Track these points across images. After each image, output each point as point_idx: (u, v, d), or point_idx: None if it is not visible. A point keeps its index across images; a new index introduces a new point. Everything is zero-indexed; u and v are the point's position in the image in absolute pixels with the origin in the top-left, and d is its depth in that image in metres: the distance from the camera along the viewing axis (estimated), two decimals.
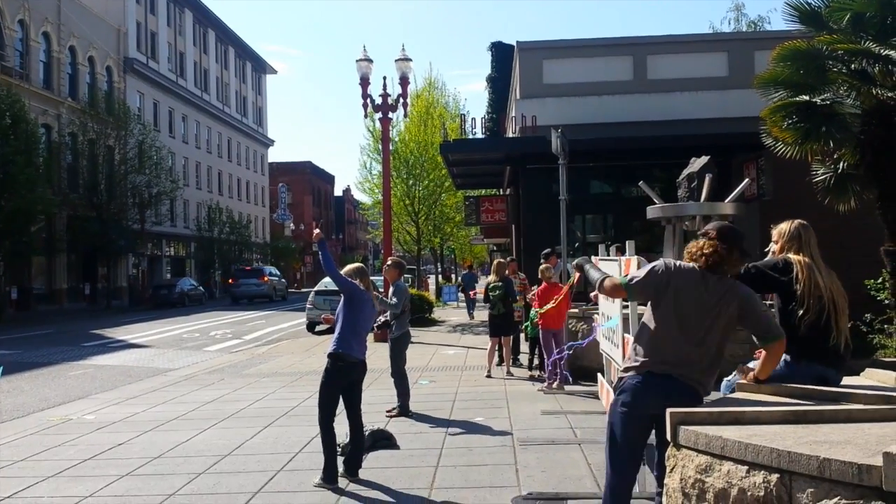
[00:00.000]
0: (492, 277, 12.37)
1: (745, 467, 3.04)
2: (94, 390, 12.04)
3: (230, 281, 45.80)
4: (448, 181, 29.13)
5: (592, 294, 7.46)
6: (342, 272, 6.48)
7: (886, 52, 8.79)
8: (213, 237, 54.19)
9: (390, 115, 19.60)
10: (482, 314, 22.15)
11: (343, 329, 6.26)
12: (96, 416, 9.53)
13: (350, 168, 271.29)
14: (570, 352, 9.49)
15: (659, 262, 4.09)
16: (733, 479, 3.09)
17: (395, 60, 19.21)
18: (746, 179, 12.93)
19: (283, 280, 50.29)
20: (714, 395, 4.27)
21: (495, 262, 13.28)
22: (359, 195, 45.97)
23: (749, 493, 3.00)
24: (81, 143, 38.76)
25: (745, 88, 13.52)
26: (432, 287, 39.11)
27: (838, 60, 9.50)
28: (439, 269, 45.16)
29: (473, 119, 25.74)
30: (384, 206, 20.66)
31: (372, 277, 7.26)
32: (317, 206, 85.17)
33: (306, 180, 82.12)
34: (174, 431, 8.34)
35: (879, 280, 10.45)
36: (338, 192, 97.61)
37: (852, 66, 9.43)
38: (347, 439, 6.33)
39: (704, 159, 11.19)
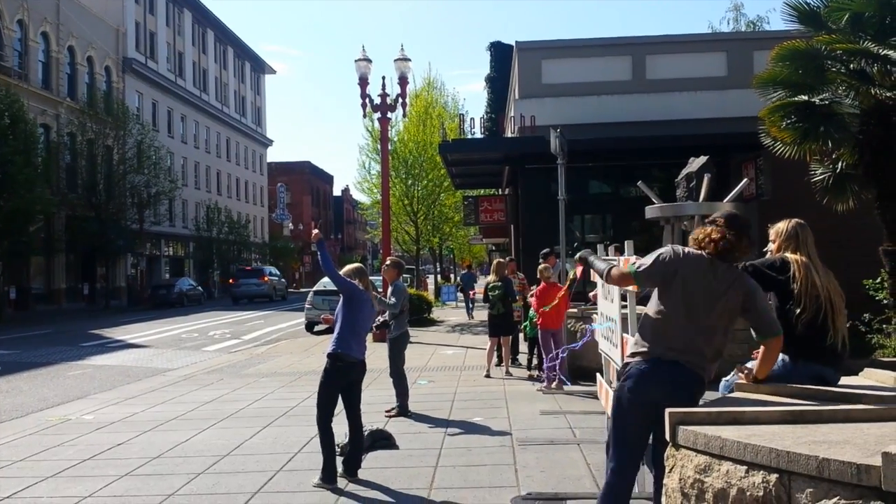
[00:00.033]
0: (491, 277, 12.37)
1: (744, 467, 3.04)
2: (92, 390, 12.03)
3: (231, 281, 46.15)
4: (447, 181, 29.12)
5: (591, 294, 7.47)
6: (341, 272, 6.48)
7: (885, 51, 8.79)
8: (212, 237, 54.20)
9: (389, 115, 19.60)
10: (481, 314, 22.16)
11: (342, 329, 6.26)
12: (95, 416, 9.52)
13: (349, 168, 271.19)
14: (565, 354, 9.51)
15: (666, 249, 4.08)
16: (732, 479, 3.09)
17: (394, 60, 19.21)
18: (745, 179, 12.92)
19: (283, 280, 50.57)
20: (713, 395, 4.28)
21: (495, 261, 13.29)
22: (357, 195, 45.96)
23: (748, 493, 3.00)
24: (80, 143, 38.75)
25: (744, 88, 13.54)
26: (431, 287, 39.11)
27: (837, 60, 9.51)
28: (438, 269, 45.15)
29: (472, 119, 25.79)
30: (383, 205, 20.65)
31: (371, 277, 7.26)
32: (315, 205, 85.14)
33: (305, 180, 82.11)
34: (173, 431, 8.34)
35: (878, 280, 10.45)
36: (336, 191, 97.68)
37: (851, 65, 9.43)
38: (346, 439, 6.33)
39: (703, 159, 11.20)
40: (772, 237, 4.45)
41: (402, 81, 19.30)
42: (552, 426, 7.90)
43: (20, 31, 36.15)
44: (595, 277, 6.72)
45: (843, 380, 4.37)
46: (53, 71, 38.60)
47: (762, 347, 4.06)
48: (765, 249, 4.54)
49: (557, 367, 10.00)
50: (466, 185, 28.66)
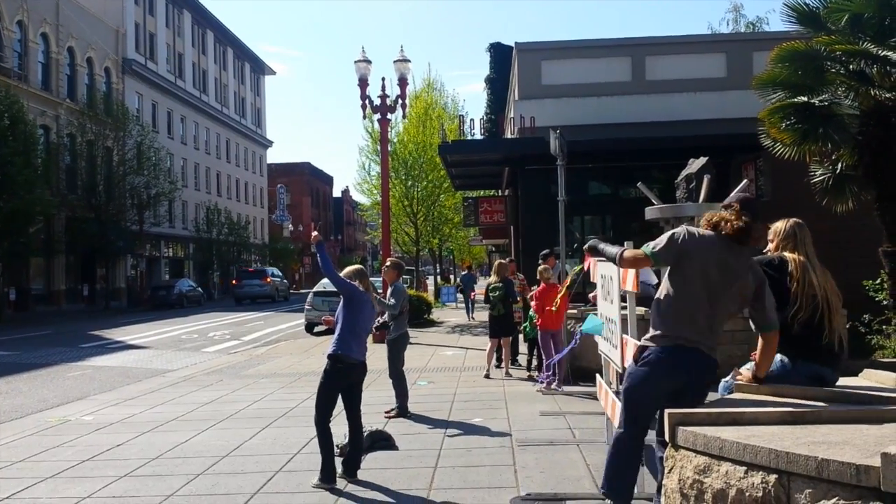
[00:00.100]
0: (493, 278, 12.37)
1: (744, 468, 3.04)
2: (92, 391, 12.03)
3: (233, 282, 46.71)
4: (447, 182, 29.13)
5: (591, 295, 7.48)
6: (341, 274, 6.48)
7: (884, 52, 8.80)
8: (212, 238, 54.24)
9: (389, 116, 19.61)
10: (481, 315, 22.17)
11: (343, 330, 6.25)
12: (95, 417, 9.52)
13: (349, 169, 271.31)
14: (563, 356, 9.51)
15: (680, 229, 4.11)
16: (731, 479, 3.09)
17: (394, 61, 19.21)
18: (745, 180, 12.92)
19: (285, 281, 51.05)
20: (712, 396, 4.28)
21: (496, 262, 13.29)
22: (357, 196, 46.06)
23: (747, 494, 3.00)
24: (80, 144, 38.76)
25: (744, 89, 13.53)
26: (431, 288, 39.11)
27: (836, 61, 9.51)
28: (438, 270, 45.15)
29: (472, 120, 25.82)
30: (383, 206, 20.66)
31: (371, 279, 7.26)
32: (315, 207, 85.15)
33: (305, 181, 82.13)
34: (172, 432, 8.33)
35: (878, 281, 10.46)
36: (336, 193, 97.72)
37: (850, 66, 9.44)
38: (346, 440, 6.33)
39: (703, 160, 11.20)
40: (770, 237, 4.46)
41: (402, 82, 19.31)
42: (552, 427, 7.90)
43: (20, 32, 36.17)
44: (595, 278, 6.74)
45: (843, 380, 4.37)
46: (53, 72, 38.61)
47: (760, 344, 4.08)
48: (765, 250, 4.55)
49: (556, 369, 10.01)
50: (466, 186, 28.66)
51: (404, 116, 23.45)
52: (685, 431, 3.38)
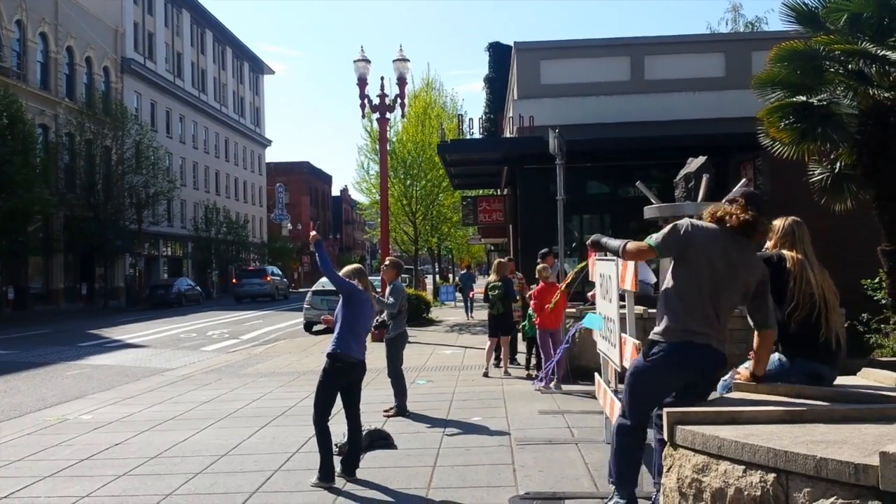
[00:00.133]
0: (492, 277, 12.37)
1: (742, 467, 3.04)
2: (90, 390, 12.02)
3: (234, 281, 47.24)
4: (445, 181, 29.12)
5: (590, 294, 7.47)
6: (340, 273, 6.47)
7: (883, 52, 8.80)
8: (211, 237, 54.22)
9: (388, 115, 19.60)
10: (480, 314, 22.17)
11: (342, 329, 6.25)
12: (93, 415, 9.51)
13: (348, 168, 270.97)
14: (561, 355, 9.52)
15: (684, 221, 4.11)
16: (730, 478, 3.09)
17: (393, 61, 19.21)
18: (744, 179, 12.88)
19: (285, 280, 51.31)
20: (711, 395, 4.28)
21: (496, 261, 13.29)
22: (356, 195, 46.01)
23: (746, 493, 3.01)
24: (79, 144, 38.73)
25: (743, 89, 13.54)
26: (430, 287, 39.11)
27: (835, 61, 9.51)
28: (437, 269, 45.16)
29: (471, 119, 25.80)
30: (381, 206, 20.65)
31: (370, 278, 7.26)
32: (314, 206, 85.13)
33: (304, 180, 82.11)
34: (171, 431, 8.33)
35: (876, 280, 10.47)
36: (335, 192, 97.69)
37: (849, 66, 9.44)
38: (345, 439, 6.33)
39: (701, 159, 11.19)
40: (768, 234, 4.47)
41: (401, 82, 19.29)
42: (550, 426, 7.90)
43: (18, 31, 36.13)
44: (593, 277, 6.74)
45: (842, 379, 4.38)
46: (52, 71, 38.57)
47: (756, 342, 4.09)
48: (763, 247, 4.56)
49: (555, 368, 10.00)
50: (465, 185, 28.65)
51: (403, 116, 23.46)
52: (684, 430, 3.38)
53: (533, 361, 11.81)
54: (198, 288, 44.45)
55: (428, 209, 31.55)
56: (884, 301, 10.20)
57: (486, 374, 11.67)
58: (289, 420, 8.75)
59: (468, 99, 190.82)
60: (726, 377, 4.59)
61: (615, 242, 4.46)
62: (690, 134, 16.59)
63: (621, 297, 5.58)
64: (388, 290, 9.03)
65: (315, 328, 21.44)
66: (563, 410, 8.65)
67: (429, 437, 7.62)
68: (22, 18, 36.06)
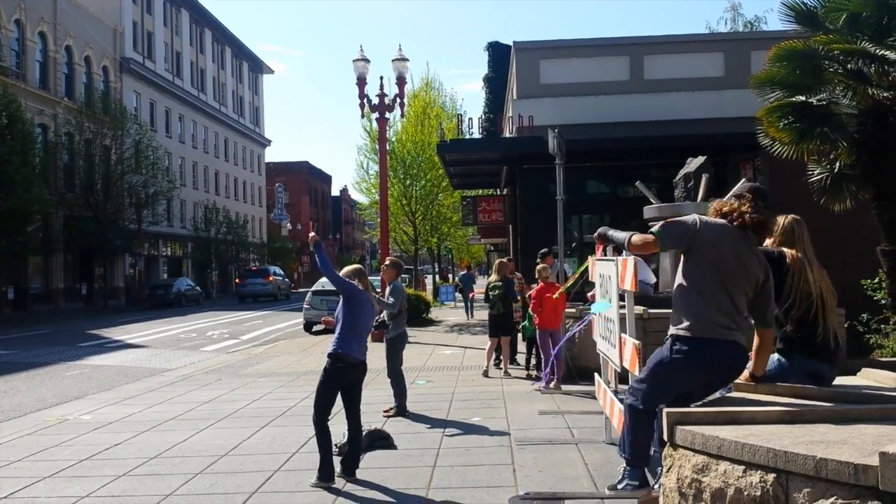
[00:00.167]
0: (493, 277, 12.37)
1: (742, 467, 3.05)
2: (90, 390, 12.02)
3: (237, 280, 47.99)
4: (445, 181, 29.11)
5: (590, 294, 7.47)
6: (340, 273, 6.48)
7: (882, 52, 8.80)
8: (210, 237, 54.24)
9: (387, 115, 19.59)
10: (480, 314, 22.17)
11: (343, 329, 6.25)
12: (93, 416, 9.51)
13: (347, 168, 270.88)
14: (560, 354, 9.52)
15: (692, 216, 4.09)
16: (730, 478, 3.09)
17: (392, 60, 19.19)
18: (743, 179, 12.92)
19: (287, 280, 51.75)
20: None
21: (497, 261, 13.29)
22: (356, 195, 46.04)
23: (746, 493, 3.01)
24: (78, 143, 38.69)
25: (742, 88, 13.54)
26: (429, 287, 39.12)
27: (834, 61, 9.52)
28: (436, 269, 45.17)
29: (470, 119, 25.84)
30: (381, 206, 20.64)
31: (370, 278, 7.26)
32: (314, 205, 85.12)
33: (303, 180, 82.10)
34: (171, 431, 8.33)
35: (876, 280, 10.47)
36: (335, 191, 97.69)
37: (848, 66, 9.44)
38: (345, 439, 6.33)
39: (701, 159, 11.21)
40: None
41: (400, 81, 19.28)
42: (550, 426, 7.90)
43: (17, 30, 36.12)
44: (593, 277, 6.74)
45: (842, 379, 4.38)
46: (51, 71, 38.55)
47: (756, 342, 4.09)
48: (763, 244, 4.57)
49: (554, 368, 10.01)
50: (465, 185, 28.66)
51: (403, 115, 23.44)
52: (683, 430, 3.39)
53: (533, 362, 11.82)
54: (197, 288, 44.46)
55: (427, 209, 31.55)
56: (883, 301, 10.21)
57: (486, 374, 11.68)
58: (289, 420, 8.75)
59: (467, 98, 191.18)
60: None
61: (620, 235, 4.45)
62: (690, 134, 16.60)
63: (621, 298, 5.59)
64: (387, 290, 9.03)
65: (315, 328, 21.44)
66: (562, 411, 8.66)
67: (429, 437, 7.62)
68: (21, 18, 36.05)
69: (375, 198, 28.89)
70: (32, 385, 12.83)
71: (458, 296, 31.37)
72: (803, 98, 9.62)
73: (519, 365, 12.53)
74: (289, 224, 75.58)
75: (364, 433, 6.67)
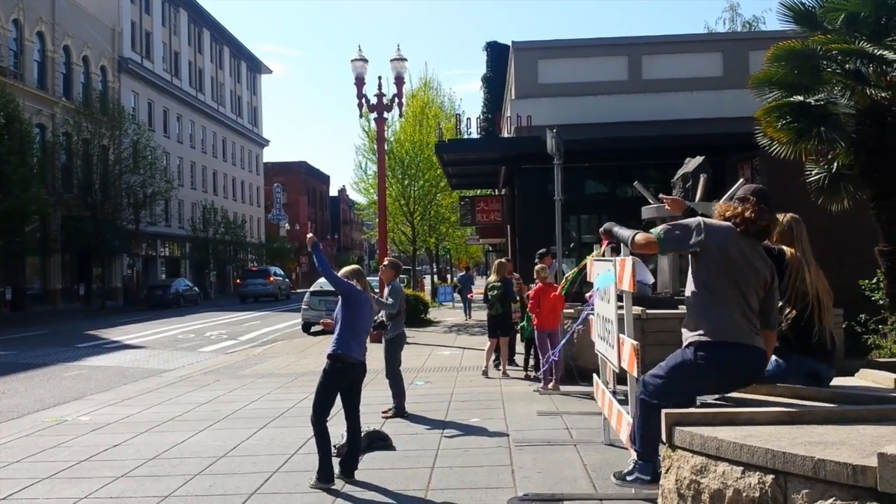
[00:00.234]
0: (492, 277, 12.37)
1: (741, 468, 3.05)
2: (89, 391, 12.01)
3: (238, 281, 48.59)
4: (443, 181, 29.13)
5: (588, 295, 7.47)
6: (339, 274, 6.47)
7: (881, 52, 8.81)
8: (208, 237, 54.26)
9: (385, 115, 19.59)
10: (479, 314, 22.17)
11: (342, 330, 6.25)
12: (91, 417, 9.50)
13: (345, 168, 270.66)
14: (558, 355, 9.52)
15: (696, 219, 4.06)
16: (728, 479, 3.09)
17: (391, 60, 19.19)
18: (741, 179, 12.93)
19: (287, 280, 52.06)
20: (709, 396, 4.28)
21: (496, 262, 13.29)
22: (354, 195, 46.15)
23: (744, 494, 3.01)
24: (76, 143, 38.67)
25: (740, 88, 13.56)
26: (428, 287, 39.12)
27: (832, 61, 9.53)
28: (435, 270, 45.19)
29: (469, 119, 25.89)
30: (379, 206, 20.64)
31: (368, 278, 7.25)
32: (312, 206, 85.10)
33: (301, 180, 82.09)
34: (170, 433, 8.32)
35: (874, 280, 10.47)
36: (333, 192, 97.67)
37: (846, 66, 9.46)
38: (343, 440, 6.33)
39: (699, 159, 11.22)
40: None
41: (399, 81, 19.28)
42: (549, 427, 7.90)
43: (16, 30, 36.09)
44: (592, 277, 6.74)
45: (840, 380, 4.39)
46: (49, 71, 38.52)
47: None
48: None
49: (553, 368, 10.01)
50: (463, 185, 28.67)
51: (401, 115, 23.47)
52: (682, 432, 3.39)
53: (531, 362, 11.81)
54: (196, 288, 44.45)
55: (426, 209, 31.56)
56: (881, 301, 10.21)
57: (485, 374, 11.68)
58: (287, 421, 8.75)
59: (466, 98, 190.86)
60: None
61: (626, 232, 4.45)
62: (688, 134, 16.62)
63: (619, 298, 5.58)
64: (386, 290, 9.02)
65: (313, 329, 21.43)
66: (561, 412, 8.65)
67: (427, 438, 7.62)
68: (19, 17, 36.02)
69: (374, 198, 28.92)
70: (30, 386, 12.81)
71: (457, 296, 31.39)
72: (801, 98, 9.63)
73: (518, 366, 12.52)
74: (287, 224, 75.57)
75: (363, 434, 6.67)
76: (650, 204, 11.22)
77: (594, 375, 7.10)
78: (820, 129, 9.34)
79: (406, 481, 6.06)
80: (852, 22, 9.25)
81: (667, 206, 5.14)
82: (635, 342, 5.02)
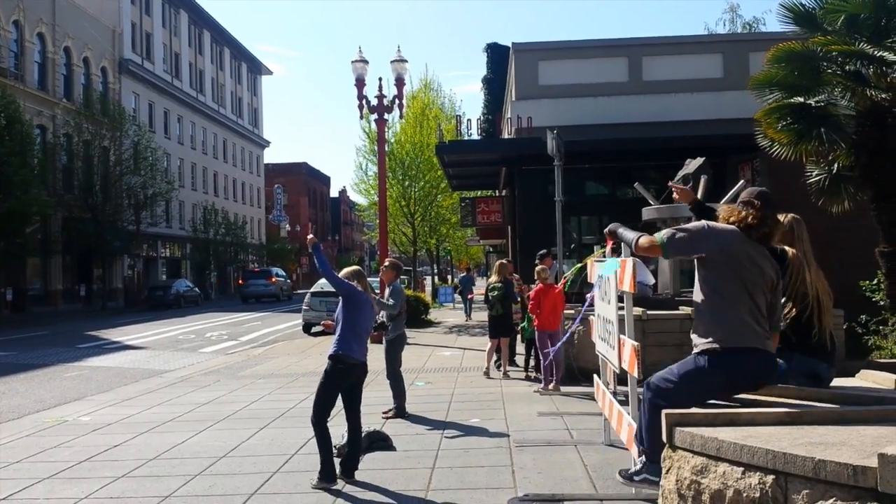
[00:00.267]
0: (493, 278, 12.37)
1: (741, 469, 3.05)
2: (89, 392, 12.01)
3: (240, 282, 49.06)
4: (444, 182, 29.14)
5: (588, 295, 7.48)
6: (339, 275, 6.48)
7: (881, 53, 8.82)
8: (209, 238, 54.28)
9: (386, 116, 19.60)
10: (480, 315, 22.16)
11: (343, 331, 6.25)
12: (92, 417, 9.51)
13: (346, 169, 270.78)
14: (557, 354, 9.52)
15: (700, 223, 4.06)
16: (729, 480, 3.10)
17: (391, 62, 19.20)
18: (741, 181, 12.94)
19: (289, 281, 52.37)
20: None
21: (497, 262, 13.29)
22: (355, 196, 46.24)
23: (745, 495, 3.01)
24: (76, 144, 38.68)
25: (740, 90, 13.57)
26: (428, 288, 39.12)
27: (833, 62, 9.54)
28: (435, 271, 45.19)
29: (469, 120, 25.88)
30: (380, 207, 20.65)
31: (369, 279, 7.26)
32: (312, 207, 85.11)
33: (302, 181, 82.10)
34: (170, 433, 8.32)
35: (874, 281, 10.47)
36: (334, 193, 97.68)
37: (847, 67, 9.46)
38: (344, 440, 6.33)
39: (699, 160, 11.23)
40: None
41: (399, 83, 19.28)
42: (549, 427, 7.90)
43: (16, 32, 36.11)
44: (592, 278, 6.75)
45: (841, 381, 4.39)
46: (49, 72, 38.54)
47: None
48: None
49: (553, 369, 10.01)
50: (463, 186, 28.68)
51: (401, 117, 23.46)
52: (682, 432, 3.39)
53: (532, 363, 11.81)
54: (196, 289, 44.48)
55: (426, 210, 31.57)
56: (882, 302, 10.22)
57: (487, 375, 11.69)
58: (287, 422, 8.75)
59: (466, 100, 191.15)
60: None
61: (629, 234, 4.44)
62: (688, 135, 16.62)
63: (620, 299, 5.58)
64: (387, 291, 9.02)
65: (314, 330, 21.43)
66: (561, 412, 8.66)
67: (428, 438, 7.62)
68: (19, 19, 36.04)
69: (374, 199, 28.91)
70: (31, 386, 12.82)
71: (458, 297, 31.39)
72: (802, 99, 9.64)
73: (518, 366, 12.52)
74: (287, 225, 75.59)
75: (363, 434, 6.67)
76: (651, 205, 11.23)
77: (595, 376, 7.10)
78: (820, 131, 9.35)
79: (406, 482, 6.06)
80: (852, 23, 9.26)
81: (675, 195, 5.11)
82: (636, 343, 5.02)
